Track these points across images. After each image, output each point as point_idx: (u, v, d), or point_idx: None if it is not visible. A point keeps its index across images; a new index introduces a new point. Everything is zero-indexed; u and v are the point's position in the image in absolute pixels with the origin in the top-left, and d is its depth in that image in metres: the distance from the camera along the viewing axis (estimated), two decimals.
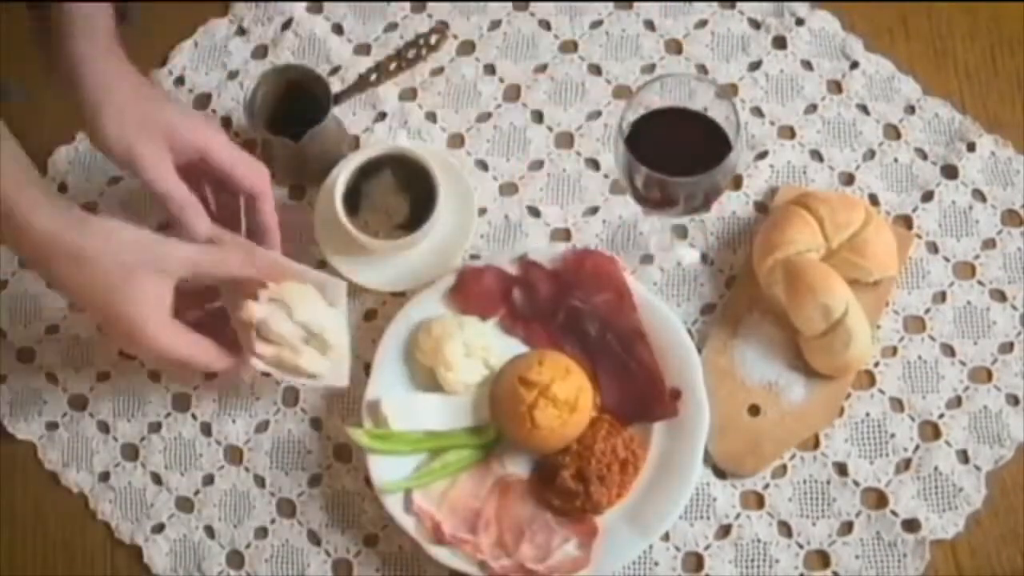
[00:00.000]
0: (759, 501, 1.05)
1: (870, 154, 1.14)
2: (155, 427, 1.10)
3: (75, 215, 0.93)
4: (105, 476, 1.09)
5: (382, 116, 1.18)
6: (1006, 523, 1.03)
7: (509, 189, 1.15)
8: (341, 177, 1.08)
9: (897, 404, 1.06)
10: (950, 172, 1.13)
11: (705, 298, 1.10)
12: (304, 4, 1.22)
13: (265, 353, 1.01)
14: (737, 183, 1.13)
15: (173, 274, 0.95)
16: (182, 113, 1.03)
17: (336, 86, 1.17)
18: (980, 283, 1.09)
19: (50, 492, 1.09)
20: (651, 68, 1.18)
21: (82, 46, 0.98)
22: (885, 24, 1.18)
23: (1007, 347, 1.07)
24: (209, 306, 1.04)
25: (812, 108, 1.16)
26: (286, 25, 1.21)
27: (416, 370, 1.06)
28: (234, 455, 1.09)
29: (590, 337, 1.07)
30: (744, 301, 1.09)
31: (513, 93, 1.18)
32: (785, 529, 1.04)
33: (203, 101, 1.20)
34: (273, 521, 1.07)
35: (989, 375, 1.07)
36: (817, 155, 1.14)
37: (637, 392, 1.05)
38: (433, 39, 1.19)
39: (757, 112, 1.16)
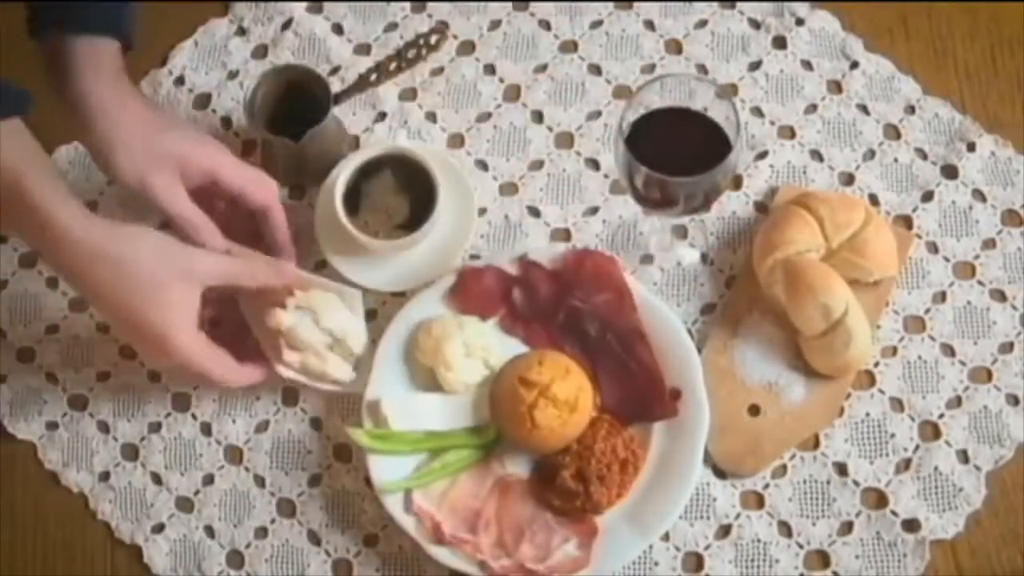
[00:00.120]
0: (759, 501, 1.05)
1: (870, 154, 1.14)
2: (155, 427, 1.10)
3: (110, 224, 0.95)
4: (105, 476, 1.09)
5: (382, 116, 1.18)
6: (1006, 523, 1.03)
7: (509, 189, 1.15)
8: (341, 177, 1.08)
9: (897, 404, 1.06)
10: (950, 172, 1.13)
11: (705, 298, 1.10)
12: (304, 4, 1.22)
13: (293, 361, 1.04)
14: (737, 183, 1.13)
15: (202, 283, 0.97)
16: (190, 139, 1.04)
17: (336, 86, 1.17)
18: (980, 283, 1.09)
19: (50, 492, 1.10)
20: (651, 68, 1.18)
21: (89, 81, 0.99)
22: (885, 24, 1.18)
23: (1007, 347, 1.07)
24: (215, 317, 1.06)
25: (812, 108, 1.16)
26: (286, 25, 1.21)
27: (416, 370, 1.06)
28: (234, 455, 1.09)
29: (590, 337, 1.07)
30: (744, 301, 1.09)
31: (513, 93, 1.18)
32: (785, 529, 1.04)
33: (203, 101, 1.20)
34: (273, 521, 1.07)
35: (989, 375, 1.07)
36: (817, 155, 1.14)
37: (637, 392, 1.05)
38: (433, 39, 1.19)
39: (757, 112, 1.16)
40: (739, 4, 1.19)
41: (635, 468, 1.02)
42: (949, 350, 1.07)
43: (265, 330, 1.05)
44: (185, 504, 1.08)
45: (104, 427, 1.11)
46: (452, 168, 1.12)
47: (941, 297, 1.09)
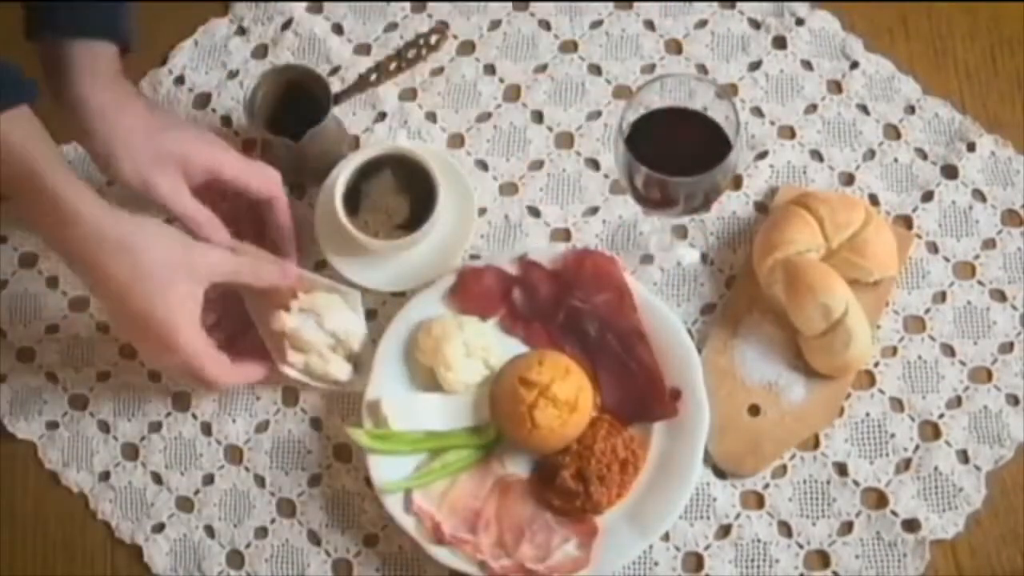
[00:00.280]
0: (759, 501, 1.05)
1: (870, 154, 1.14)
2: (155, 427, 1.10)
3: (122, 213, 0.95)
4: (105, 476, 1.09)
5: (382, 116, 1.18)
6: (1006, 523, 1.03)
7: (509, 189, 1.15)
8: (341, 177, 1.08)
9: (897, 404, 1.06)
10: (950, 172, 1.13)
11: (705, 298, 1.10)
12: (304, 4, 1.22)
13: (297, 362, 1.04)
14: (737, 183, 1.13)
15: (208, 280, 0.98)
16: (190, 137, 1.04)
17: (336, 86, 1.17)
18: (980, 283, 1.09)
19: (50, 492, 1.10)
20: (651, 68, 1.18)
21: (87, 85, 0.99)
22: (885, 24, 1.18)
23: (1007, 347, 1.07)
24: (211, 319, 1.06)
25: (812, 108, 1.16)
26: (286, 25, 1.21)
27: (416, 370, 1.06)
28: (234, 455, 1.09)
29: (590, 337, 1.07)
30: (744, 301, 1.09)
31: (513, 93, 1.18)
32: (785, 529, 1.04)
33: (203, 101, 1.20)
34: (273, 521, 1.07)
35: (989, 375, 1.07)
36: (817, 155, 1.14)
37: (637, 392, 1.05)
38: (433, 39, 1.19)
39: (757, 112, 1.16)
40: (739, 4, 1.19)
41: (635, 468, 1.03)
42: (949, 350, 1.07)
43: (269, 332, 1.06)
44: (185, 504, 1.08)
45: (104, 427, 1.11)
46: (452, 168, 1.12)
47: (941, 297, 1.09)
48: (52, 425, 1.11)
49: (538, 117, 1.17)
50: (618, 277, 1.07)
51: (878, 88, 1.15)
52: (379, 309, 1.11)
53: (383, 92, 1.18)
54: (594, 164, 1.15)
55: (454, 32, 1.20)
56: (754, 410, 1.06)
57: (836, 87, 1.16)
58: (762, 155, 1.14)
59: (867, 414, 1.06)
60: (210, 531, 1.07)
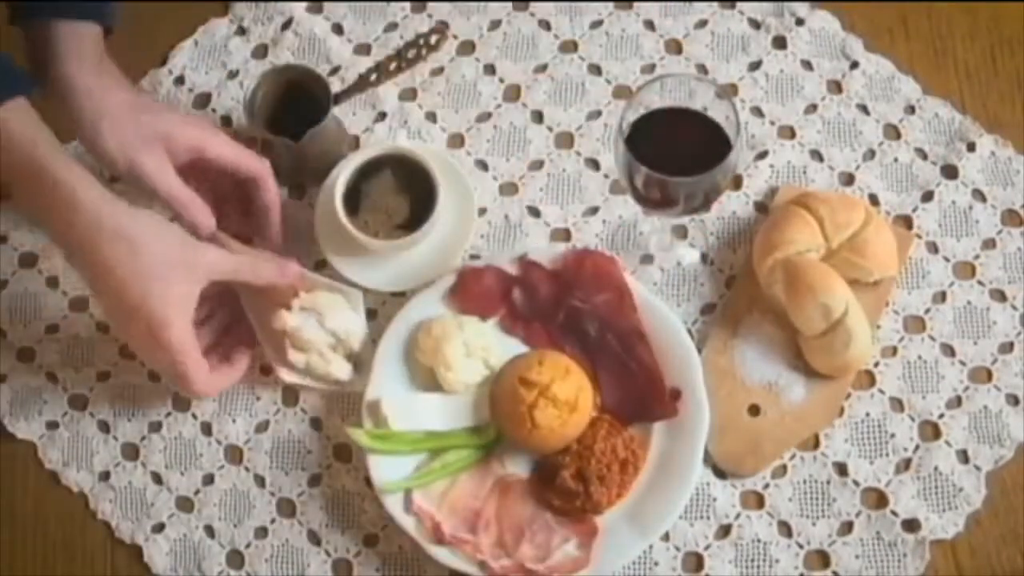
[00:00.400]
0: (759, 501, 1.05)
1: (870, 154, 1.14)
2: (155, 427, 1.10)
3: (126, 204, 0.95)
4: (105, 476, 1.09)
5: (382, 116, 1.18)
6: (1006, 523, 1.03)
7: (509, 189, 1.15)
8: (341, 177, 1.08)
9: (897, 404, 1.06)
10: (950, 172, 1.13)
11: (705, 298, 1.10)
12: (304, 4, 1.22)
13: (298, 361, 1.05)
14: (737, 183, 1.13)
15: (207, 278, 0.98)
16: (175, 117, 1.05)
17: (336, 86, 1.17)
18: (980, 283, 1.09)
19: (50, 492, 1.10)
20: (651, 68, 1.18)
21: (72, 66, 1.00)
22: (885, 24, 1.18)
23: (1007, 347, 1.07)
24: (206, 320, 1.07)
25: (812, 108, 1.16)
26: (286, 25, 1.21)
27: (416, 370, 1.06)
28: (234, 455, 1.09)
29: (590, 337, 1.07)
30: (744, 301, 1.09)
31: (513, 93, 1.18)
32: (785, 529, 1.04)
33: (203, 101, 1.20)
34: (273, 521, 1.07)
35: (989, 375, 1.07)
36: (817, 155, 1.14)
37: (637, 392, 1.05)
38: (433, 39, 1.19)
39: (757, 112, 1.16)
40: (739, 4, 1.19)
41: (635, 468, 1.03)
42: (949, 350, 1.07)
43: (269, 332, 1.06)
44: (185, 504, 1.08)
45: (104, 427, 1.11)
46: (452, 168, 1.12)
47: (941, 297, 1.09)
48: (52, 425, 1.11)
49: (538, 117, 1.17)
50: (618, 277, 1.07)
51: (878, 88, 1.15)
52: (379, 309, 1.11)
53: (383, 92, 1.18)
54: (594, 164, 1.15)
55: (454, 32, 1.20)
56: (754, 410, 1.06)
57: (836, 87, 1.16)
58: (762, 155, 1.14)
59: (867, 414, 1.06)
60: (210, 531, 1.07)
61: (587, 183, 1.14)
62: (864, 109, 1.15)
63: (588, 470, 1.01)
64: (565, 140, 1.16)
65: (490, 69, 1.19)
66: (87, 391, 1.12)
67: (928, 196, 1.12)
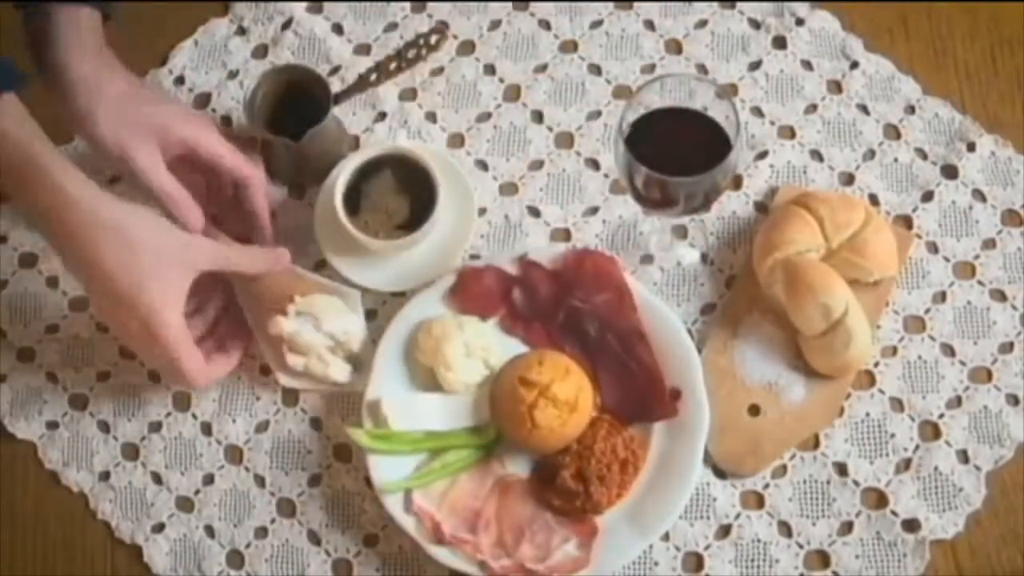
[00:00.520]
0: (759, 501, 1.05)
1: (870, 154, 1.14)
2: (155, 427, 1.10)
3: (116, 198, 0.96)
4: (105, 476, 1.09)
5: (382, 116, 1.18)
6: (1006, 523, 1.03)
7: (509, 189, 1.15)
8: (341, 177, 1.08)
9: (897, 404, 1.06)
10: (950, 172, 1.13)
11: (705, 298, 1.10)
12: (304, 4, 1.22)
13: (297, 364, 1.05)
14: (737, 183, 1.13)
15: (198, 269, 0.98)
16: (171, 109, 1.05)
17: (336, 86, 1.17)
18: (980, 283, 1.09)
19: (50, 492, 1.10)
20: (651, 68, 1.18)
21: (72, 51, 1.00)
22: (885, 24, 1.18)
23: (1007, 347, 1.07)
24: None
25: (812, 108, 1.16)
26: (286, 25, 1.21)
27: (416, 370, 1.06)
28: (234, 455, 1.09)
29: (590, 337, 1.07)
30: (744, 301, 1.09)
31: (513, 93, 1.18)
32: (785, 529, 1.04)
33: (203, 101, 1.20)
34: (273, 521, 1.07)
35: (989, 375, 1.07)
36: (817, 155, 1.14)
37: (637, 392, 1.05)
38: (433, 39, 1.19)
39: (757, 112, 1.16)
40: (739, 4, 1.19)
41: (635, 468, 1.03)
42: (949, 350, 1.07)
43: (268, 336, 1.06)
44: (185, 504, 1.08)
45: (104, 427, 1.11)
46: (452, 168, 1.12)
47: (941, 297, 1.09)
48: (52, 425, 1.11)
49: (538, 117, 1.17)
50: (618, 277, 1.07)
51: (878, 88, 1.15)
52: (379, 309, 1.11)
53: (383, 92, 1.18)
54: (594, 164, 1.15)
55: (454, 32, 1.20)
56: (754, 410, 1.06)
57: (836, 87, 1.16)
58: (762, 155, 1.14)
59: (867, 414, 1.06)
60: (210, 531, 1.07)
61: (587, 183, 1.14)
62: (864, 109, 1.15)
63: (588, 470, 1.01)
64: (565, 140, 1.16)
65: (490, 69, 1.19)
66: (87, 391, 1.12)
67: (928, 196, 1.12)
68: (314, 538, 1.06)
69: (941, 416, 1.06)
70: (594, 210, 1.14)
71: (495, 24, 1.20)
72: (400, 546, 1.05)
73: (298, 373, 1.07)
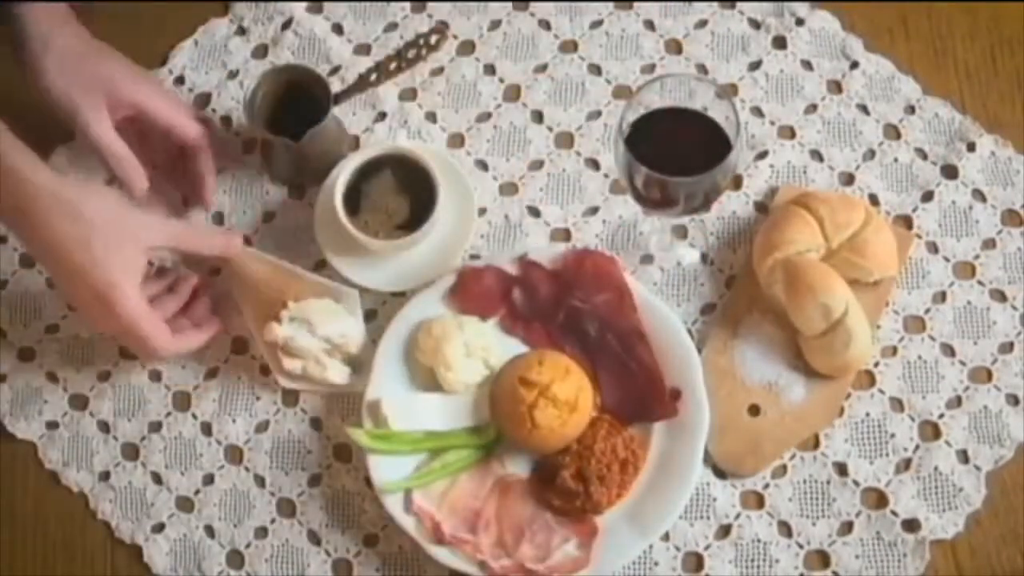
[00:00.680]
0: (759, 501, 1.05)
1: (870, 154, 1.14)
2: (155, 427, 1.10)
3: (68, 178, 0.97)
4: (105, 476, 1.09)
5: (382, 116, 1.18)
6: (1006, 523, 1.03)
7: (509, 189, 1.15)
8: (341, 177, 1.08)
9: (897, 404, 1.06)
10: (950, 172, 1.13)
11: (705, 298, 1.10)
12: (304, 4, 1.22)
13: (294, 368, 1.05)
14: (737, 183, 1.13)
15: (147, 243, 0.99)
16: (122, 67, 1.06)
17: (336, 86, 1.17)
18: (980, 283, 1.09)
19: (50, 492, 1.10)
20: (651, 68, 1.18)
21: (24, 7, 1.01)
22: (885, 24, 1.18)
23: (1007, 347, 1.07)
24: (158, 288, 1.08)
25: (812, 108, 1.16)
26: (286, 25, 1.21)
27: (416, 370, 1.06)
28: (234, 455, 1.09)
29: (590, 337, 1.07)
30: (744, 301, 1.09)
31: (513, 93, 1.18)
32: (785, 529, 1.04)
33: (203, 101, 1.20)
34: (273, 521, 1.07)
35: (989, 375, 1.07)
36: (817, 155, 1.14)
37: (637, 392, 1.05)
38: (433, 39, 1.19)
39: (757, 112, 1.16)
40: (739, 4, 1.19)
41: (635, 468, 1.03)
42: (949, 350, 1.07)
43: (265, 342, 1.07)
44: (185, 504, 1.08)
45: (104, 427, 1.11)
46: (452, 168, 1.12)
47: (941, 297, 1.09)
48: (52, 425, 1.11)
49: (538, 117, 1.17)
50: (618, 277, 1.07)
51: (878, 88, 1.15)
52: (379, 309, 1.11)
53: (383, 92, 1.18)
54: (594, 164, 1.15)
55: (454, 32, 1.20)
56: (754, 410, 1.06)
57: (836, 87, 1.16)
58: (762, 155, 1.14)
59: (867, 414, 1.06)
60: (210, 531, 1.07)
61: (587, 183, 1.14)
62: (864, 109, 1.15)
63: (588, 470, 1.01)
64: (565, 140, 1.16)
65: (490, 69, 1.19)
66: (87, 391, 1.12)
67: (928, 196, 1.12)
68: (314, 538, 1.06)
69: (941, 416, 1.06)
70: (594, 210, 1.14)
71: (495, 24, 1.20)
72: (400, 546, 1.05)
73: (296, 376, 1.07)
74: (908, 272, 1.10)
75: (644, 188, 0.96)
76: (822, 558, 1.03)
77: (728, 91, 1.13)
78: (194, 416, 1.10)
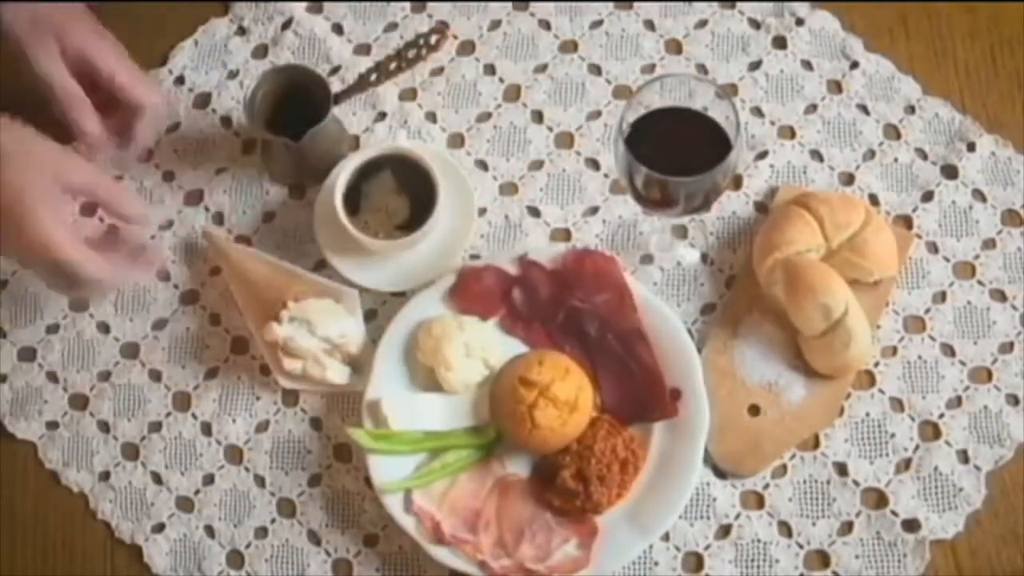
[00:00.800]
0: (759, 501, 1.05)
1: (870, 154, 1.14)
2: (155, 427, 1.10)
3: None
4: (105, 476, 1.09)
5: (382, 116, 1.18)
6: (1006, 523, 1.03)
7: (509, 189, 1.15)
8: (341, 177, 1.08)
9: (897, 404, 1.06)
10: (950, 172, 1.13)
11: (705, 298, 1.10)
12: (304, 4, 1.22)
13: (295, 368, 1.05)
14: (737, 183, 1.13)
15: (68, 181, 0.97)
16: (77, 15, 1.05)
17: (336, 86, 1.17)
18: (980, 283, 1.09)
19: (50, 492, 1.10)
20: (651, 68, 1.18)
21: None
22: (885, 24, 1.18)
23: (1007, 347, 1.07)
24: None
25: (812, 108, 1.16)
26: (286, 25, 1.21)
27: (416, 370, 1.06)
28: (234, 455, 1.09)
29: (590, 337, 1.07)
30: (744, 301, 1.09)
31: (513, 93, 1.18)
32: (785, 529, 1.04)
33: (203, 101, 1.20)
34: (273, 521, 1.07)
35: (989, 375, 1.07)
36: (817, 155, 1.14)
37: (637, 392, 1.05)
38: (433, 39, 1.19)
39: (757, 112, 1.16)
40: (739, 4, 1.19)
41: (635, 468, 1.03)
42: (949, 350, 1.07)
43: (265, 342, 1.07)
44: (185, 504, 1.08)
45: (104, 427, 1.11)
46: (452, 168, 1.12)
47: (941, 297, 1.09)
48: (52, 425, 1.11)
49: (538, 117, 1.17)
50: (618, 277, 1.07)
51: (878, 88, 1.15)
52: (379, 309, 1.11)
53: (383, 92, 1.18)
54: (594, 164, 1.15)
55: (454, 32, 1.20)
56: (754, 410, 1.06)
57: (836, 87, 1.16)
58: (762, 155, 1.14)
59: (867, 414, 1.06)
60: (210, 531, 1.07)
61: (587, 183, 1.14)
62: (864, 109, 1.15)
63: (588, 470, 1.01)
64: (565, 140, 1.16)
65: (490, 69, 1.19)
66: (87, 391, 1.12)
67: (928, 196, 1.12)
68: (314, 538, 1.06)
69: (941, 416, 1.06)
70: (594, 210, 1.14)
71: (495, 24, 1.20)
72: (400, 546, 1.05)
73: (296, 376, 1.07)
74: (908, 272, 1.10)
75: (644, 188, 0.96)
76: (822, 558, 1.03)
77: (728, 91, 1.13)
78: (194, 416, 1.10)
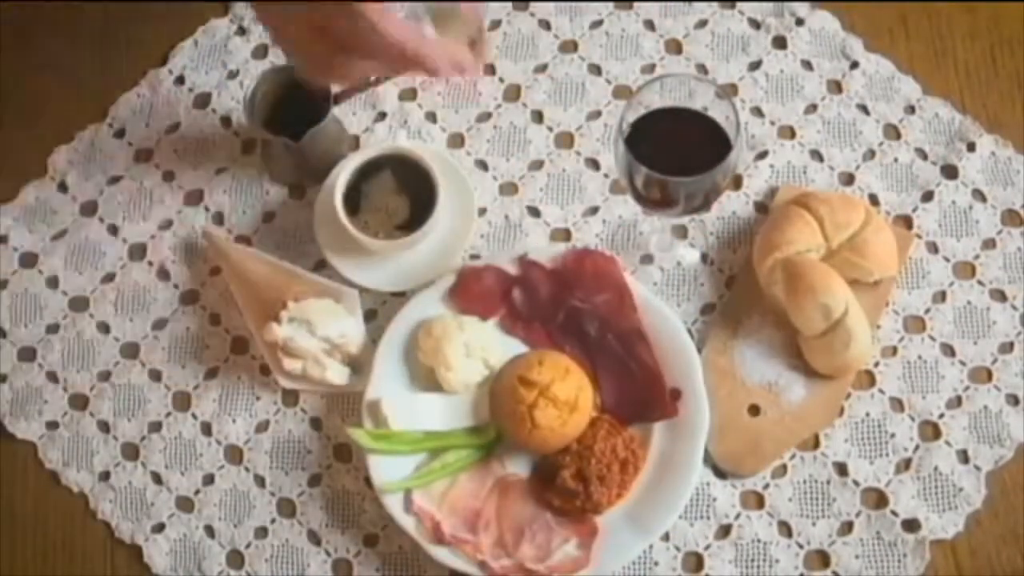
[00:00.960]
0: (759, 501, 1.05)
1: (870, 154, 1.14)
2: (155, 427, 1.10)
3: None
4: (105, 476, 1.09)
5: (382, 116, 1.18)
6: (1006, 523, 1.03)
7: (509, 189, 1.15)
8: (341, 177, 1.08)
9: (897, 404, 1.06)
10: (950, 172, 1.13)
11: (705, 298, 1.10)
12: None
13: (295, 368, 1.05)
14: (737, 183, 1.13)
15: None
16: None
17: (336, 86, 1.17)
18: (980, 283, 1.09)
19: (50, 492, 1.10)
20: (651, 68, 1.18)
21: None
22: (885, 24, 1.18)
23: (1007, 347, 1.07)
24: None
25: (812, 108, 1.16)
26: None
27: (416, 370, 1.06)
28: (234, 455, 1.09)
29: (590, 337, 1.07)
30: (744, 301, 1.09)
31: (513, 93, 1.18)
32: (785, 529, 1.04)
33: (203, 101, 1.20)
34: (273, 521, 1.07)
35: (989, 375, 1.07)
36: (817, 155, 1.14)
37: (637, 392, 1.05)
38: None
39: (757, 112, 1.16)
40: (739, 4, 1.19)
41: (635, 468, 1.03)
42: (949, 350, 1.07)
43: (265, 342, 1.07)
44: (185, 504, 1.08)
45: (104, 427, 1.11)
46: (452, 168, 1.12)
47: (941, 297, 1.09)
48: (52, 425, 1.11)
49: (538, 117, 1.17)
50: (618, 277, 1.07)
51: (878, 88, 1.15)
52: (379, 309, 1.11)
53: (383, 92, 1.18)
54: (594, 164, 1.15)
55: None
56: (754, 410, 1.06)
57: (836, 87, 1.16)
58: (762, 155, 1.14)
59: (867, 414, 1.06)
60: (210, 531, 1.07)
61: (587, 183, 1.14)
62: (864, 109, 1.15)
63: (588, 470, 1.01)
64: (565, 140, 1.16)
65: (490, 69, 1.19)
66: (87, 391, 1.12)
67: (928, 196, 1.12)
68: (314, 538, 1.06)
69: (941, 416, 1.06)
70: (594, 210, 1.14)
71: (495, 24, 1.20)
72: (400, 546, 1.05)
73: (296, 376, 1.07)
74: (908, 272, 1.10)
75: (644, 188, 0.96)
76: (822, 558, 1.03)
77: (728, 91, 1.13)
78: (194, 416, 1.10)
